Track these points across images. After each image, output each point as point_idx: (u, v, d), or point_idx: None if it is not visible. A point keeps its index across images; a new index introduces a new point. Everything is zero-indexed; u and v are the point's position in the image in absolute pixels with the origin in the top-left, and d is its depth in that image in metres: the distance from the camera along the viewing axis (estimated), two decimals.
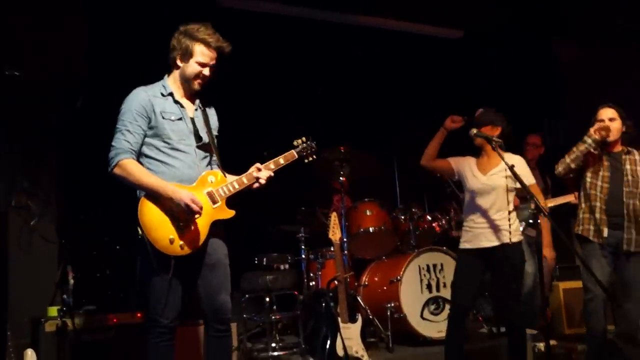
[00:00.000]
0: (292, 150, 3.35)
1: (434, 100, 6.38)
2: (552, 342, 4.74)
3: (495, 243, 3.78)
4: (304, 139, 3.42)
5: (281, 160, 3.29)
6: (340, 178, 4.83)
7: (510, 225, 3.76)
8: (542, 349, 4.69)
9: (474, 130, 3.78)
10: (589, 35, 6.37)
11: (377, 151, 5.33)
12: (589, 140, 3.87)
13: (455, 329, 3.83)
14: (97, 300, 4.40)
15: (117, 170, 2.94)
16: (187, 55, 3.08)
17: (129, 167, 2.94)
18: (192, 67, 3.09)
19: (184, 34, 3.09)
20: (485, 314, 5.45)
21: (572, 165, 3.94)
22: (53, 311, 3.90)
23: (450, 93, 6.48)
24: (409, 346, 4.60)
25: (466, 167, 3.94)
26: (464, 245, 3.86)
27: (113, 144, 2.98)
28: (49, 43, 2.00)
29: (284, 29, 5.67)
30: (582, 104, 6.52)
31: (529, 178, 3.80)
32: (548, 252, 4.04)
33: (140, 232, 2.91)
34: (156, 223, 2.92)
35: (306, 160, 3.42)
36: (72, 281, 3.96)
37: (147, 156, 3.05)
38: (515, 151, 3.91)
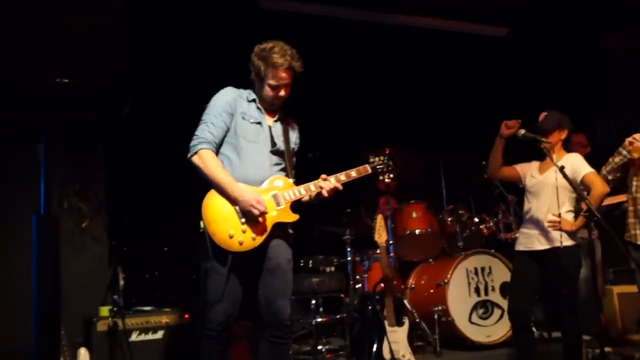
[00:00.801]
0: (367, 165, 3.35)
1: (479, 100, 6.26)
2: (607, 349, 4.59)
3: (546, 246, 3.69)
4: (381, 157, 3.43)
5: (353, 173, 3.29)
6: (386, 180, 4.77)
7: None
8: (597, 356, 4.57)
9: (522, 131, 3.70)
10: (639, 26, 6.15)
11: (423, 152, 5.26)
12: (624, 152, 3.75)
13: (519, 334, 3.78)
14: (146, 300, 4.48)
15: (195, 159, 3.03)
16: (261, 78, 3.15)
17: (207, 158, 3.02)
18: (265, 90, 3.16)
19: (257, 55, 3.15)
20: (535, 318, 5.31)
21: (610, 177, 3.83)
22: (104, 311, 4.00)
23: (496, 92, 6.36)
24: (456, 350, 4.52)
25: (528, 170, 3.94)
26: (517, 247, 3.86)
27: (197, 133, 3.08)
28: (93, 48, 2.03)
29: (327, 30, 5.66)
30: (633, 97, 6.33)
31: (584, 168, 3.73)
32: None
33: (202, 225, 2.97)
34: (218, 217, 2.98)
35: (381, 177, 3.49)
36: (122, 282, 4.04)
37: (221, 153, 3.13)
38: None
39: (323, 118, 5.69)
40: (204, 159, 3.02)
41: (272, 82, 3.12)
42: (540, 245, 3.72)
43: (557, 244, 3.64)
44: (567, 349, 3.73)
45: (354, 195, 5.59)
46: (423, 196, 5.30)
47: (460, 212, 5.22)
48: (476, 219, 5.20)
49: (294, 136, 3.35)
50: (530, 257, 3.76)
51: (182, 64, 4.88)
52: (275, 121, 3.27)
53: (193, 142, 3.05)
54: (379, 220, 4.18)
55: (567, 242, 3.65)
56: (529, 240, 3.77)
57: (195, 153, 3.02)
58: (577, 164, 3.77)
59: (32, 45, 1.92)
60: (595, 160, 5.51)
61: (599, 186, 3.65)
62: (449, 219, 5.24)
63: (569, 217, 3.73)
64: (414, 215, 5.07)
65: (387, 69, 6.05)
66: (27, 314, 2.00)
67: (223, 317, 2.99)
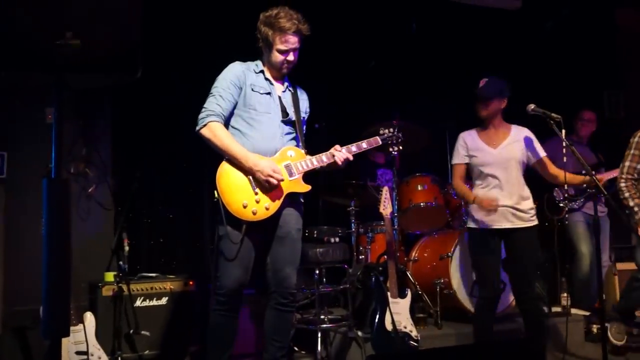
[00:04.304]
0: (377, 137, 3.38)
1: (489, 73, 6.19)
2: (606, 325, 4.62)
3: (518, 225, 3.74)
4: (391, 129, 3.46)
5: (364, 144, 3.31)
6: (393, 152, 4.75)
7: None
8: (596, 331, 4.61)
9: (532, 106, 3.66)
10: None
11: (429, 124, 5.23)
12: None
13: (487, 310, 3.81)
14: (150, 267, 4.52)
15: (204, 131, 3.03)
16: (269, 45, 3.14)
17: (217, 129, 3.02)
18: (275, 56, 3.15)
19: (264, 22, 3.14)
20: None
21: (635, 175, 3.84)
22: (110, 277, 4.02)
23: (507, 65, 6.29)
24: (457, 323, 4.56)
25: (467, 149, 3.87)
26: (473, 224, 3.90)
27: (205, 105, 3.09)
28: (104, 10, 1.99)
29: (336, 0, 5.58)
30: None
31: (540, 151, 3.80)
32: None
33: (216, 195, 2.99)
34: (233, 187, 3.00)
35: (390, 149, 3.53)
36: (127, 248, 4.06)
37: (231, 126, 3.14)
38: (567, 126, 3.74)
39: (330, 88, 5.65)
40: (214, 131, 3.01)
41: (281, 47, 3.11)
42: (509, 223, 3.72)
43: (529, 224, 3.72)
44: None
45: (359, 167, 5.61)
46: (429, 169, 5.29)
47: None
48: None
49: (304, 105, 3.36)
50: (493, 234, 3.74)
51: (191, 25, 4.82)
52: (284, 91, 3.27)
53: (201, 115, 3.06)
54: (385, 192, 4.18)
55: (535, 221, 3.74)
56: (495, 217, 3.72)
57: (205, 125, 3.02)
58: (537, 142, 3.84)
59: (45, 3, 1.88)
60: (603, 136, 5.50)
61: (554, 167, 3.80)
62: (454, 192, 5.23)
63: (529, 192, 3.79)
64: (419, 188, 5.08)
65: (396, 40, 5.98)
66: (37, 276, 2.01)
67: (234, 283, 3.03)
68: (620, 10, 6.58)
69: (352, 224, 4.85)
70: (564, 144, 3.59)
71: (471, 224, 3.85)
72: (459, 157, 3.91)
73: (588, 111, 5.50)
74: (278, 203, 3.06)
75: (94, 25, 1.95)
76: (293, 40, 3.12)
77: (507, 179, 3.74)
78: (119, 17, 2.00)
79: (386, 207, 4.14)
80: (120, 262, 4.01)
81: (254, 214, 2.99)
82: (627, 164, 3.85)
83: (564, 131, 3.53)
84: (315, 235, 4.33)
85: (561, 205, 5.05)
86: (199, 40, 4.69)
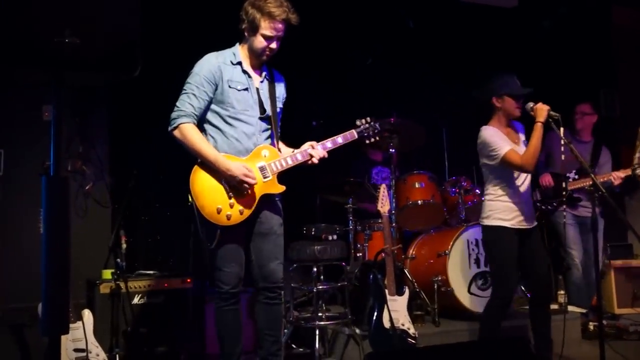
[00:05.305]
0: (353, 130, 3.31)
1: (485, 71, 6.20)
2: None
3: (533, 224, 3.73)
4: (367, 119, 3.35)
5: (339, 139, 3.26)
6: (391, 150, 4.77)
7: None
8: (593, 328, 4.63)
9: (531, 104, 3.66)
10: None
11: (426, 122, 5.23)
12: None
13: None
14: (147, 264, 4.52)
15: (176, 133, 3.00)
16: (254, 28, 3.06)
17: (188, 132, 2.97)
18: (258, 41, 3.07)
19: (252, 5, 3.06)
20: None
21: None
22: (107, 274, 4.03)
23: (503, 63, 6.30)
24: (455, 320, 4.57)
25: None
26: (502, 223, 3.74)
27: (177, 104, 3.03)
28: (103, 7, 1.99)
29: None
30: (637, 72, 6.30)
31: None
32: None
33: (190, 199, 2.96)
34: (206, 191, 2.96)
35: (367, 142, 3.36)
36: (124, 245, 4.06)
37: (210, 123, 3.09)
38: (565, 123, 3.72)
39: (327, 86, 5.65)
40: (185, 133, 2.96)
41: (267, 32, 3.04)
42: (529, 223, 3.70)
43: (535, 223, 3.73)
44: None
45: (351, 165, 5.61)
46: (426, 166, 5.29)
47: (462, 183, 5.22)
48: (477, 191, 5.21)
49: (281, 92, 3.28)
50: (516, 233, 3.67)
51: (189, 22, 4.81)
52: (262, 81, 3.20)
53: (173, 115, 3.00)
54: (382, 189, 4.18)
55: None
56: (524, 216, 3.67)
57: (176, 127, 2.98)
58: None
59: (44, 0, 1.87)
60: (600, 131, 5.49)
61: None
62: (451, 190, 5.24)
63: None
64: (417, 185, 5.08)
65: (393, 37, 5.98)
66: (33, 274, 2.01)
67: (233, 280, 3.06)
68: (617, 8, 6.59)
69: (350, 222, 4.85)
70: (562, 142, 3.59)
71: (497, 222, 3.67)
72: (507, 143, 3.65)
73: (581, 104, 5.39)
74: (252, 206, 3.03)
75: (93, 23, 1.95)
76: (280, 27, 3.05)
77: (529, 178, 3.76)
78: (117, 14, 2.00)
79: (384, 205, 4.15)
80: (118, 260, 4.01)
81: (228, 218, 2.96)
82: (637, 154, 3.88)
83: (562, 129, 3.52)
84: (313, 233, 4.33)
85: (538, 204, 5.04)
86: (197, 37, 4.68)
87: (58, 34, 1.86)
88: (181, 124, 2.98)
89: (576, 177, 3.77)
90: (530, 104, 3.64)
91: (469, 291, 4.60)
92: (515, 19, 6.36)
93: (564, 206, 4.93)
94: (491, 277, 4.19)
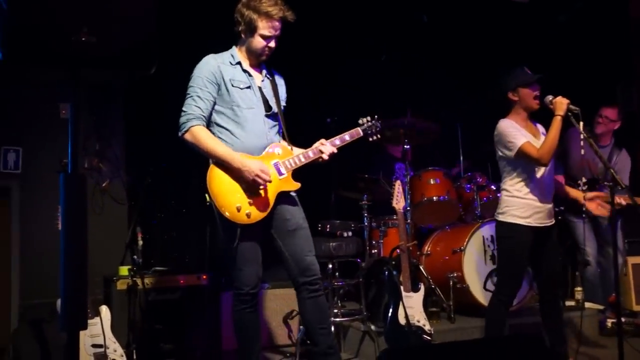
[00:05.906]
0: (358, 128, 3.35)
1: (500, 66, 6.16)
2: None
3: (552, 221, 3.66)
4: (369, 117, 3.40)
5: (347, 137, 3.29)
6: (405, 146, 4.76)
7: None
8: (610, 325, 4.59)
9: (550, 97, 3.59)
10: None
11: (441, 118, 5.21)
12: None
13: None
14: (164, 261, 4.55)
15: (187, 136, 2.99)
16: (252, 29, 3.06)
17: (200, 134, 2.97)
18: (257, 41, 3.08)
19: (246, 6, 3.05)
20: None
21: None
22: (124, 270, 4.06)
23: (519, 57, 6.24)
24: (470, 317, 4.55)
25: (524, 133, 3.59)
26: (525, 221, 3.61)
27: (184, 109, 3.02)
28: (119, 5, 2.00)
29: None
30: None
31: None
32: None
33: (208, 198, 2.96)
34: (224, 191, 2.96)
35: (370, 139, 3.42)
36: (141, 242, 4.08)
37: (217, 124, 3.08)
38: (585, 122, 3.59)
39: (342, 83, 5.64)
40: (196, 135, 2.96)
41: (265, 32, 3.03)
42: (547, 221, 3.61)
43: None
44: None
45: (372, 161, 5.60)
46: (441, 163, 5.27)
47: (478, 179, 5.19)
48: (493, 187, 5.18)
49: (282, 91, 3.29)
50: (532, 232, 3.55)
51: (205, 21, 4.82)
52: (263, 80, 3.21)
53: (182, 120, 2.99)
54: (397, 186, 4.17)
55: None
56: (542, 215, 3.57)
57: (187, 131, 2.97)
58: None
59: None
60: (619, 130, 5.41)
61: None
62: (467, 187, 5.22)
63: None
64: (432, 182, 5.05)
65: (407, 32, 5.96)
66: (52, 270, 2.03)
67: (253, 281, 3.06)
68: (634, 1, 6.49)
69: (365, 218, 4.84)
70: (581, 137, 3.51)
71: (512, 219, 3.56)
72: (524, 135, 3.54)
73: (607, 108, 4.97)
74: (270, 203, 3.03)
75: (109, 21, 1.96)
76: (278, 26, 3.05)
77: (551, 173, 3.64)
78: (133, 12, 2.01)
79: (399, 202, 4.14)
80: (135, 256, 4.03)
81: (248, 216, 2.95)
82: None
83: (582, 123, 3.45)
84: (328, 230, 4.34)
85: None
86: (213, 36, 4.69)
87: (75, 32, 1.87)
88: (191, 127, 2.97)
89: (584, 187, 3.61)
90: (550, 97, 3.55)
91: (484, 288, 4.57)
92: (531, 13, 6.30)
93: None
94: (497, 272, 4.12)
